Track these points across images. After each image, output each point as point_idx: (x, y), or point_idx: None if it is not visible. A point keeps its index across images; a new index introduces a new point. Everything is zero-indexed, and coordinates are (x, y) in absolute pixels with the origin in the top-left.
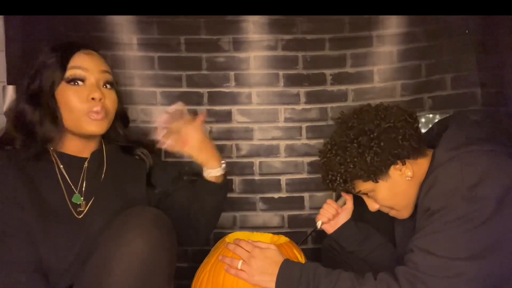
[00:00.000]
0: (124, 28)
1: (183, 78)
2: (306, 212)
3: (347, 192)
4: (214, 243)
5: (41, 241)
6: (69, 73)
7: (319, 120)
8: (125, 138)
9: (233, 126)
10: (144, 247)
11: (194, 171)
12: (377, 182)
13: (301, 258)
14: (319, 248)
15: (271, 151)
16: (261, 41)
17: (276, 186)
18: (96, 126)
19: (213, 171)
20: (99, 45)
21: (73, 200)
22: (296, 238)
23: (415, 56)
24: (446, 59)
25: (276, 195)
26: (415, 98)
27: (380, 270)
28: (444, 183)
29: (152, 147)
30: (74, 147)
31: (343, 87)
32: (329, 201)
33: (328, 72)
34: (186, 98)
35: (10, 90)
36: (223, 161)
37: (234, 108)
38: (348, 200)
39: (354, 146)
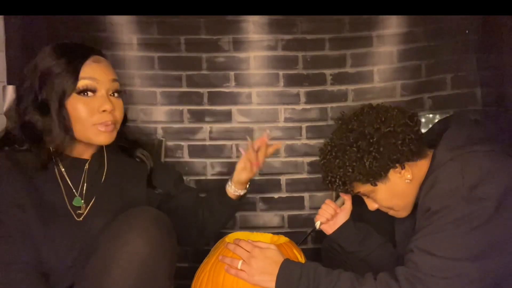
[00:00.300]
0: (124, 28)
1: (183, 78)
2: (306, 212)
3: (347, 193)
4: (214, 243)
5: (42, 242)
6: (80, 84)
7: (319, 120)
8: (123, 136)
9: (233, 126)
10: (144, 248)
11: (194, 171)
12: (376, 185)
13: (301, 258)
14: (319, 248)
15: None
16: (261, 41)
17: (276, 186)
18: (106, 137)
19: (239, 190)
20: (99, 45)
21: (74, 203)
22: (296, 238)
23: (415, 56)
24: (446, 59)
25: (276, 195)
26: (415, 98)
27: (380, 270)
28: (445, 184)
29: (151, 147)
30: (75, 149)
31: (343, 87)
32: (327, 201)
33: (328, 72)
34: (186, 98)
35: (10, 90)
36: (249, 183)
37: (234, 108)
38: (347, 200)
39: (354, 150)
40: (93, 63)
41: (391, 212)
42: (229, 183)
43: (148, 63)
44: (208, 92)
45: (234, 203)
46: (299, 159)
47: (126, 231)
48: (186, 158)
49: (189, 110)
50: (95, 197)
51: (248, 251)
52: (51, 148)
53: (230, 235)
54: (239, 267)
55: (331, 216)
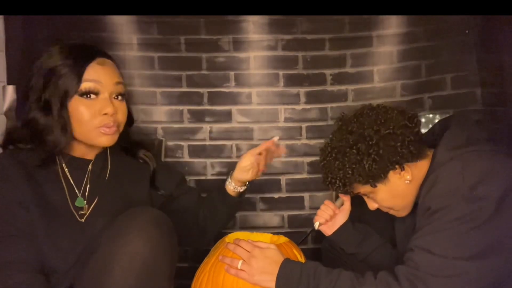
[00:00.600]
0: (124, 28)
1: (183, 78)
2: (306, 212)
3: (347, 193)
4: (214, 243)
5: (43, 242)
6: (83, 86)
7: (319, 120)
8: (127, 137)
9: (233, 126)
10: (144, 248)
11: (194, 171)
12: (375, 186)
13: (301, 258)
14: (319, 248)
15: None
16: (261, 41)
17: (276, 186)
18: (107, 139)
19: (238, 187)
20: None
21: (76, 204)
22: (296, 238)
23: (415, 56)
24: (446, 59)
25: (276, 195)
26: (415, 98)
27: (380, 270)
28: (445, 183)
29: (152, 147)
30: (79, 149)
31: (343, 87)
32: (326, 202)
33: (328, 72)
34: (186, 98)
35: (10, 90)
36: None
37: (234, 108)
38: (346, 201)
39: (353, 152)
40: (97, 66)
41: (391, 212)
42: (229, 180)
43: (148, 63)
44: (208, 92)
45: (234, 200)
46: (299, 159)
47: (127, 231)
48: (186, 158)
49: (189, 110)
50: (97, 198)
51: (248, 251)
52: (54, 147)
53: (230, 235)
54: (239, 267)
55: (330, 217)
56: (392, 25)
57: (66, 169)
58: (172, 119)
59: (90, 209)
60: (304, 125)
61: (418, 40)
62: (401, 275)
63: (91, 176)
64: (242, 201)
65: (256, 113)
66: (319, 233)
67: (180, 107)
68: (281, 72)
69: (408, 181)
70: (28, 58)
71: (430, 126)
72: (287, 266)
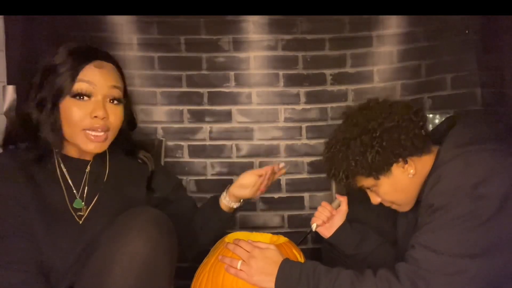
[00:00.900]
0: (124, 28)
1: (183, 78)
2: (306, 212)
3: (350, 186)
4: (214, 243)
5: (43, 242)
6: (75, 87)
7: (319, 120)
8: (129, 140)
9: (233, 126)
10: (144, 248)
11: (194, 171)
12: (378, 179)
13: (301, 258)
14: (319, 248)
15: (271, 151)
16: (261, 41)
17: (276, 186)
18: (95, 147)
19: (232, 202)
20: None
21: (74, 205)
22: (295, 238)
23: (415, 56)
24: (446, 59)
25: (276, 195)
26: (415, 98)
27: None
28: (448, 181)
29: (152, 147)
30: (76, 150)
31: (343, 87)
32: (323, 203)
33: (328, 72)
34: (186, 98)
35: (10, 90)
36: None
37: (234, 108)
38: (343, 202)
39: (357, 144)
40: (94, 68)
41: (393, 206)
42: (224, 194)
43: (148, 63)
44: (208, 92)
45: (226, 215)
46: (299, 159)
47: (126, 231)
48: (186, 158)
49: (189, 110)
50: (96, 199)
51: (247, 251)
52: (45, 145)
53: (230, 235)
54: (238, 267)
55: (327, 218)
56: (392, 25)
57: (64, 170)
58: (172, 119)
59: (88, 210)
60: (304, 125)
61: (418, 40)
62: (402, 272)
63: (90, 177)
64: (234, 217)
65: (256, 113)
66: (319, 233)
67: (180, 107)
68: (281, 72)
69: (412, 175)
70: (28, 58)
71: (430, 126)
72: (286, 267)
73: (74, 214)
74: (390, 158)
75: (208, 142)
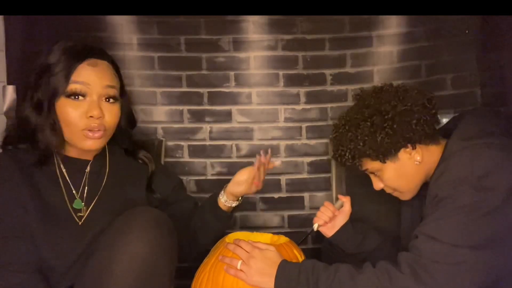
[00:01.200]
0: (124, 28)
1: (183, 78)
2: (306, 212)
3: (355, 168)
4: (214, 243)
5: (43, 243)
6: (70, 87)
7: (319, 120)
8: (129, 140)
9: (233, 126)
10: (144, 248)
11: (194, 171)
12: (384, 162)
13: (301, 258)
14: (319, 248)
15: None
16: (261, 41)
17: (276, 186)
18: (93, 143)
19: (230, 201)
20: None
21: (74, 205)
22: (296, 238)
23: (415, 56)
24: (446, 59)
25: (276, 195)
26: None
27: None
28: (454, 172)
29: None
30: (76, 150)
31: (343, 87)
32: (326, 203)
33: (328, 72)
34: (186, 98)
35: (10, 90)
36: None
37: (234, 108)
38: (346, 203)
39: (367, 125)
40: (88, 67)
41: (395, 193)
42: (222, 192)
43: (148, 63)
44: (208, 92)
45: (224, 215)
46: (299, 159)
47: (127, 231)
48: (186, 158)
49: (189, 110)
50: (96, 200)
51: (247, 252)
52: (46, 147)
53: (230, 235)
54: (238, 267)
55: (329, 218)
56: (392, 25)
57: (64, 170)
58: (172, 119)
59: (88, 211)
60: (304, 125)
61: (418, 40)
62: (403, 260)
63: (90, 177)
64: (233, 216)
65: (256, 113)
66: (319, 233)
67: (180, 107)
68: (281, 72)
69: (418, 163)
70: (28, 57)
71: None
72: (285, 267)
73: (74, 214)
74: (399, 142)
75: (208, 142)
